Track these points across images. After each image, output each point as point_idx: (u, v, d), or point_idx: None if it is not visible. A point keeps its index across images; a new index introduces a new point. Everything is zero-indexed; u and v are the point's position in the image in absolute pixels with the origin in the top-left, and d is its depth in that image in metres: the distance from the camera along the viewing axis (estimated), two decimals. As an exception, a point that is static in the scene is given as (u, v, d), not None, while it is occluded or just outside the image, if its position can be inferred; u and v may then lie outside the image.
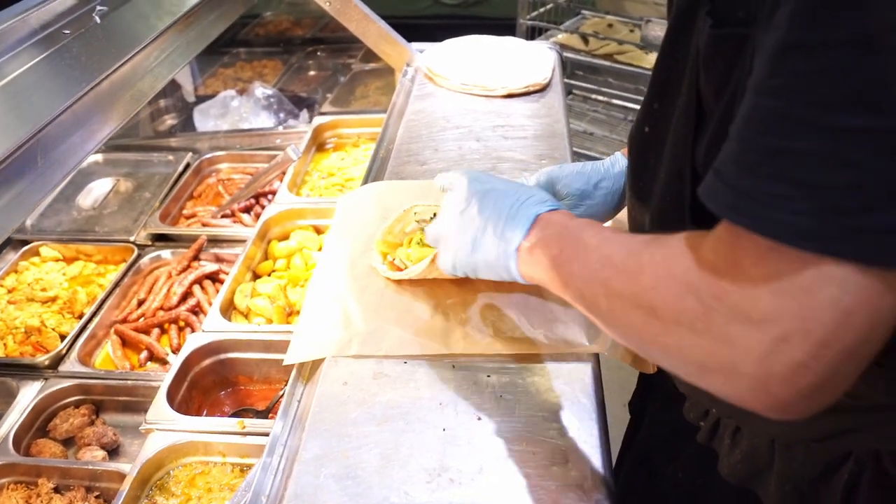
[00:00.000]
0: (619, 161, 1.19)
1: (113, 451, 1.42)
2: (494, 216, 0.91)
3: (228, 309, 1.55)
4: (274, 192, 2.02)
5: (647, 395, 1.15)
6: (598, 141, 3.02)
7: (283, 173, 1.96)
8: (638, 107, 2.91)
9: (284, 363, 1.07)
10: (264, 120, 2.68)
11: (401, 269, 1.15)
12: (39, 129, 1.01)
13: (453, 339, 1.05)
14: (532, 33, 3.09)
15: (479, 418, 0.95)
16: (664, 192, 0.82)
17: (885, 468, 0.81)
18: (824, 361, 0.55)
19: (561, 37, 3.10)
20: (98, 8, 1.18)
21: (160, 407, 1.28)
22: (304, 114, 2.75)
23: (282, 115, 2.74)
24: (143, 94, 1.30)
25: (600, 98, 3.20)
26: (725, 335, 0.59)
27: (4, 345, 1.61)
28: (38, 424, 1.44)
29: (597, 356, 1.05)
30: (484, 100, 1.77)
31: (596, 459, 0.90)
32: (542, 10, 3.12)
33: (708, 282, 0.60)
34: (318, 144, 2.15)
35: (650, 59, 2.91)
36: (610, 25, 3.13)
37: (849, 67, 0.50)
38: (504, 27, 2.56)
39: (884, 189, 0.50)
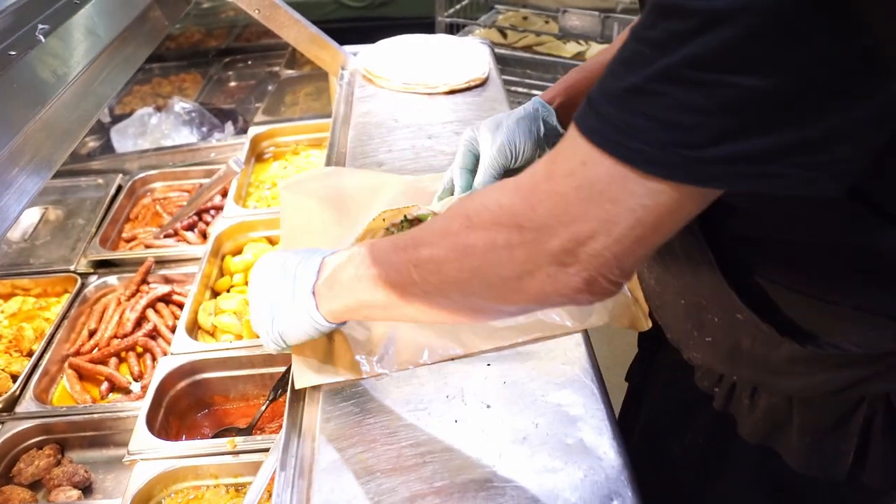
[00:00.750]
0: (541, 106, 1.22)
1: (86, 490, 1.36)
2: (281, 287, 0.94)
3: (193, 329, 1.51)
4: (217, 208, 1.97)
5: (648, 369, 1.19)
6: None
7: (226, 187, 1.92)
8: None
9: (297, 387, 1.03)
10: (186, 136, 2.60)
11: None
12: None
13: (465, 338, 1.05)
14: (451, 30, 3.12)
15: (488, 406, 0.97)
16: None
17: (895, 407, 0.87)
18: (617, 250, 0.64)
19: (479, 32, 3.15)
20: (40, 27, 1.13)
21: (141, 436, 1.23)
22: (229, 126, 2.69)
23: (205, 129, 2.67)
24: (90, 113, 1.24)
25: (521, 90, 3.26)
26: (535, 239, 0.66)
27: (-50, 392, 1.51)
28: (1, 471, 1.36)
29: (586, 334, 1.08)
30: (427, 98, 1.79)
31: (606, 434, 0.93)
32: (457, 6, 3.15)
33: (523, 196, 0.68)
34: (256, 155, 2.11)
35: (569, 49, 3.00)
36: (525, 18, 3.20)
37: (708, 34, 0.55)
38: (417, 26, 2.57)
39: (716, 132, 0.58)
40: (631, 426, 1.20)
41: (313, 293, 0.91)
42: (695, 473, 1.05)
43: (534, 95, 3.36)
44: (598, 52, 1.24)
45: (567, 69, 3.12)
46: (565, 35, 2.87)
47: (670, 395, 1.08)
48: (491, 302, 0.76)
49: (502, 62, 3.19)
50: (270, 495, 0.94)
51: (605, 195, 0.62)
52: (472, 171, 1.20)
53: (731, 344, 0.92)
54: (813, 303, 0.84)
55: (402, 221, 1.17)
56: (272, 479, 1.00)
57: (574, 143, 0.65)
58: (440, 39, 2.07)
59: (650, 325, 1.10)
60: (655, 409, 1.14)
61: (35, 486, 1.35)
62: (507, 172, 1.17)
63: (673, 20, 0.58)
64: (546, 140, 1.18)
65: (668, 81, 0.58)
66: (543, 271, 0.68)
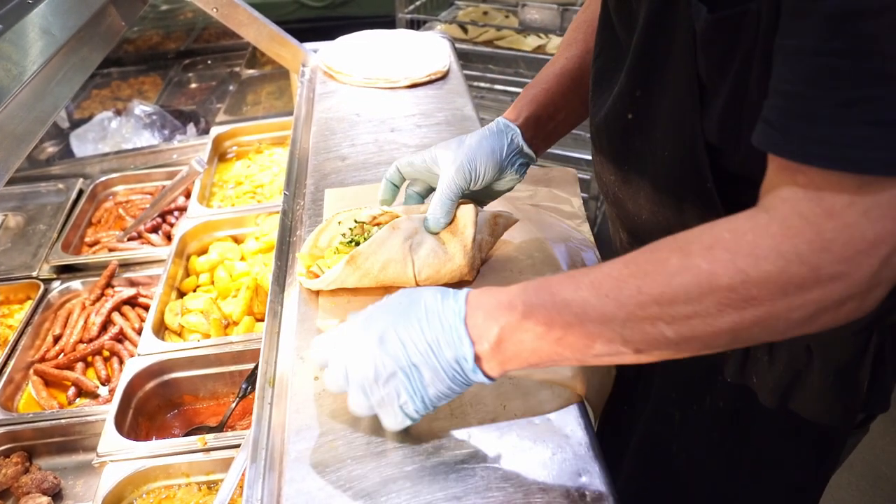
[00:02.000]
0: (504, 126, 1.16)
1: (56, 496, 1.34)
2: (419, 356, 0.80)
3: (160, 330, 1.50)
4: (180, 209, 1.96)
5: None
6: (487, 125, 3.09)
7: (189, 188, 1.91)
8: (518, 89, 3.01)
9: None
10: (148, 138, 2.58)
11: (317, 276, 1.12)
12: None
13: None
14: (412, 27, 3.12)
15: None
16: (670, 167, 0.88)
17: None
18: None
19: (440, 27, 3.15)
20: (-9, 27, 1.11)
21: (111, 438, 1.22)
22: (191, 128, 2.66)
23: (166, 131, 2.64)
24: (47, 114, 1.23)
25: (483, 84, 3.27)
26: (836, 275, 0.64)
27: (-88, 403, 1.48)
28: (-32, 481, 1.34)
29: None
30: (389, 92, 1.79)
31: (572, 412, 0.94)
32: (417, 3, 3.16)
33: (808, 240, 0.64)
34: (219, 154, 2.10)
35: (529, 42, 3.02)
36: (485, 13, 3.21)
37: None
38: (378, 24, 2.57)
39: None
40: (627, 411, 1.21)
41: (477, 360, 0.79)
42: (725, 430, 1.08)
43: (496, 89, 3.36)
44: (546, 66, 1.22)
45: (528, 62, 3.18)
46: (525, 28, 2.88)
47: (679, 370, 1.07)
48: (764, 339, 0.73)
49: (464, 57, 3.20)
50: (243, 490, 0.94)
51: (888, 211, 0.62)
52: (422, 194, 1.18)
53: None
54: None
55: (354, 227, 1.15)
56: (243, 474, 1.00)
57: (818, 177, 0.63)
58: (400, 34, 2.08)
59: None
60: (665, 390, 1.13)
61: (3, 494, 1.34)
62: (466, 195, 1.11)
63: (859, 23, 0.59)
64: (509, 160, 1.13)
65: (880, 82, 0.59)
66: (847, 305, 0.66)
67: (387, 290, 1.07)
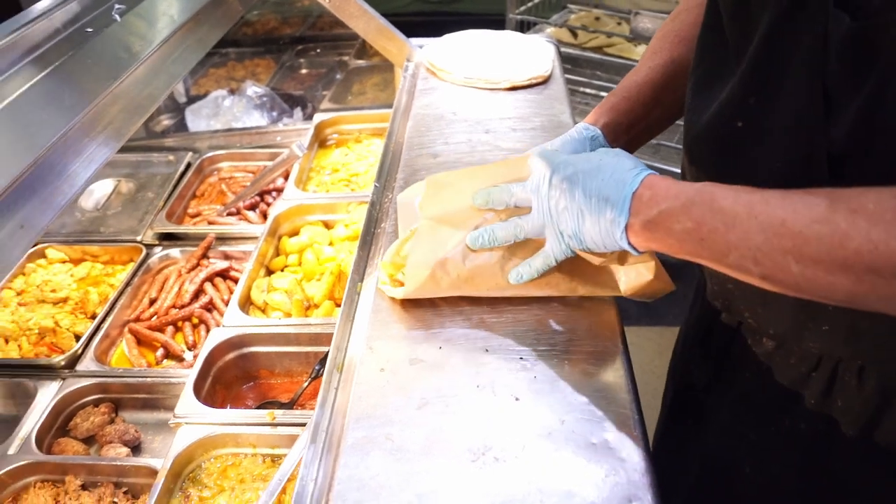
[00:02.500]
0: (584, 129, 1.18)
1: (135, 448, 1.43)
2: (586, 204, 0.94)
3: (245, 304, 1.57)
4: (278, 190, 2.03)
5: (719, 366, 1.14)
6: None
7: (288, 170, 1.98)
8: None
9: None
10: (257, 119, 2.69)
11: (403, 285, 1.12)
12: (70, 127, 1.03)
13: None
14: (521, 28, 3.12)
15: (517, 399, 0.98)
16: (785, 179, 0.85)
17: None
18: None
19: (549, 31, 3.14)
20: (116, 6, 1.19)
21: (188, 401, 1.29)
22: (298, 112, 2.76)
23: (275, 113, 2.75)
24: (161, 90, 1.30)
25: (589, 91, 3.23)
26: None
27: (19, 346, 1.61)
28: (59, 424, 1.45)
29: (625, 347, 1.08)
30: (488, 93, 1.80)
31: (631, 436, 0.93)
32: (529, 4, 3.15)
33: None
34: (320, 141, 2.16)
35: (639, 51, 2.96)
36: (597, 18, 3.17)
37: None
38: (490, 22, 2.58)
39: None
40: (692, 426, 1.18)
41: (626, 230, 0.91)
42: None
43: (602, 96, 3.34)
44: (628, 74, 1.20)
45: (636, 72, 3.11)
46: (636, 37, 2.83)
47: (754, 391, 1.05)
48: (880, 310, 0.77)
49: (572, 62, 3.18)
50: (300, 469, 0.97)
51: None
52: None
53: (847, 327, 0.92)
54: None
55: None
56: (305, 452, 1.04)
57: None
58: (505, 35, 2.08)
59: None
60: (741, 404, 1.10)
61: (89, 440, 1.43)
62: None
63: None
64: None
65: None
66: None
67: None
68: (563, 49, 3.08)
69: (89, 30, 1.12)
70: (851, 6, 0.74)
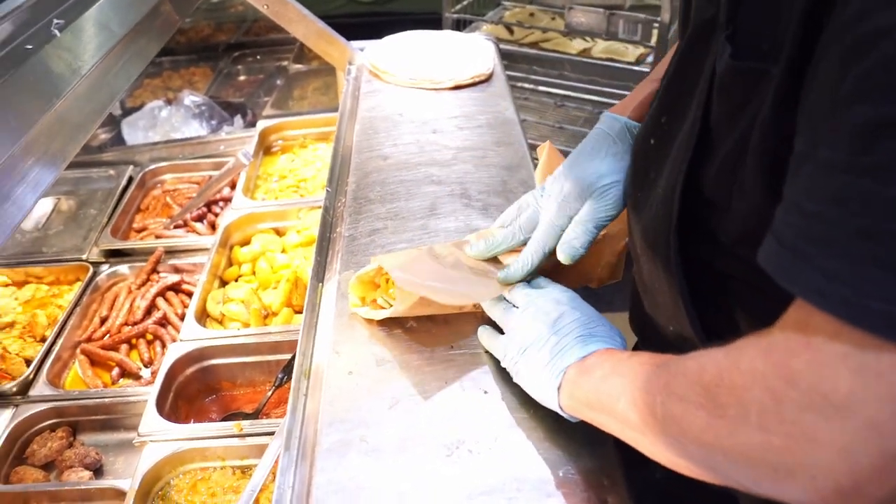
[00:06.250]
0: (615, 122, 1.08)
1: (97, 471, 1.40)
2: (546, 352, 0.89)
3: (202, 317, 1.55)
4: (225, 199, 2.01)
5: None
6: (529, 127, 3.10)
7: (234, 179, 1.96)
8: (562, 91, 2.94)
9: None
10: (196, 128, 2.64)
11: (384, 308, 1.11)
12: (15, 149, 1.01)
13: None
14: (457, 26, 3.14)
15: (486, 392, 1.00)
16: (658, 206, 0.83)
17: None
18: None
19: (486, 28, 3.17)
20: (55, 21, 1.16)
21: (152, 418, 1.27)
22: (238, 119, 2.73)
23: (214, 122, 2.71)
24: (104, 105, 1.28)
25: (526, 86, 3.28)
26: (801, 427, 0.53)
27: (-34, 375, 1.56)
28: (15, 452, 1.41)
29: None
30: (433, 93, 1.82)
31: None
32: (464, 2, 3.18)
33: (776, 364, 0.55)
34: (265, 148, 2.15)
35: (574, 45, 3.02)
36: (532, 14, 3.22)
37: None
38: (426, 21, 2.60)
39: None
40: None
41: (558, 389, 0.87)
42: None
43: (540, 91, 3.36)
44: (661, 63, 1.10)
45: (573, 65, 3.17)
46: (571, 31, 2.88)
47: None
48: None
49: (509, 58, 3.22)
50: (275, 477, 0.97)
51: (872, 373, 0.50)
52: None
53: None
54: None
55: None
56: (277, 461, 1.04)
57: (804, 315, 0.54)
58: (446, 35, 2.11)
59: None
60: None
61: (48, 466, 1.40)
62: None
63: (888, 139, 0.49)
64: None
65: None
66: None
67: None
68: (500, 46, 3.13)
69: (29, 47, 1.09)
70: (740, 42, 0.67)
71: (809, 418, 0.52)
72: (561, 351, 0.88)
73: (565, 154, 1.13)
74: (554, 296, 0.97)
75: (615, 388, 0.77)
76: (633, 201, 0.95)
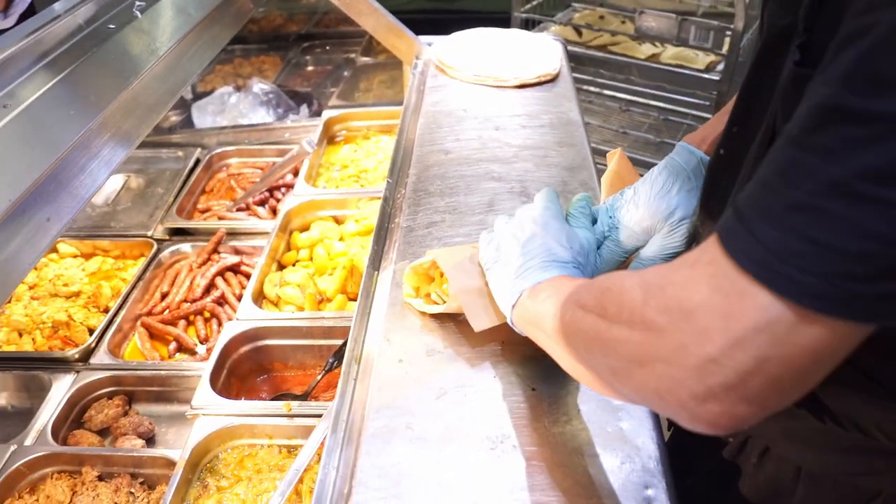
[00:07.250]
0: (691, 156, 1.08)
1: (149, 440, 1.44)
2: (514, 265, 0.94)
3: (258, 298, 1.59)
4: (287, 186, 2.05)
5: None
6: (593, 131, 3.07)
7: (297, 166, 1.99)
8: (628, 96, 2.89)
9: (476, 330, 1.04)
10: (262, 115, 2.70)
11: (437, 304, 1.12)
12: (93, 124, 1.04)
13: None
14: (526, 26, 3.13)
15: (534, 388, 1.00)
16: None
17: None
18: (735, 362, 0.55)
19: (554, 28, 3.15)
20: (137, 3, 1.20)
21: (205, 393, 1.31)
22: (304, 109, 2.77)
23: (280, 110, 2.76)
24: (177, 87, 1.32)
25: (592, 89, 3.25)
26: (656, 325, 0.60)
27: (33, 339, 1.62)
28: (74, 416, 1.46)
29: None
30: (497, 90, 1.82)
31: (646, 426, 0.95)
32: (534, 2, 3.16)
33: (660, 275, 0.63)
34: (329, 137, 2.18)
35: (643, 50, 2.98)
36: (601, 17, 3.19)
37: (893, 142, 0.49)
38: (495, 20, 2.60)
39: (889, 261, 0.51)
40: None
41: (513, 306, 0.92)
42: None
43: (605, 94, 3.32)
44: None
45: (640, 70, 3.13)
46: (641, 36, 2.85)
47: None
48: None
49: (576, 60, 3.20)
50: (320, 458, 0.99)
51: (754, 330, 0.55)
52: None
53: None
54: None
55: None
56: (322, 443, 1.06)
57: (719, 268, 0.57)
58: (513, 34, 2.10)
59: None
60: (674, 445, 1.07)
61: (103, 432, 1.45)
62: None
63: (848, 125, 0.51)
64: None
65: (837, 197, 0.51)
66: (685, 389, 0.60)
67: None
68: (568, 47, 3.10)
69: (111, 26, 1.13)
70: (811, 50, 0.66)
71: (663, 318, 0.60)
72: (523, 273, 0.92)
73: (633, 161, 1.12)
74: (532, 213, 1.00)
75: (549, 308, 0.83)
76: (707, 210, 0.95)
